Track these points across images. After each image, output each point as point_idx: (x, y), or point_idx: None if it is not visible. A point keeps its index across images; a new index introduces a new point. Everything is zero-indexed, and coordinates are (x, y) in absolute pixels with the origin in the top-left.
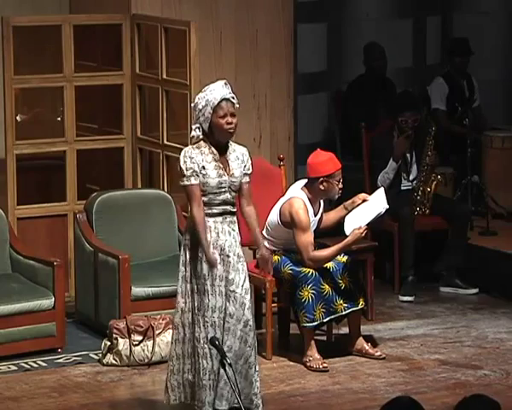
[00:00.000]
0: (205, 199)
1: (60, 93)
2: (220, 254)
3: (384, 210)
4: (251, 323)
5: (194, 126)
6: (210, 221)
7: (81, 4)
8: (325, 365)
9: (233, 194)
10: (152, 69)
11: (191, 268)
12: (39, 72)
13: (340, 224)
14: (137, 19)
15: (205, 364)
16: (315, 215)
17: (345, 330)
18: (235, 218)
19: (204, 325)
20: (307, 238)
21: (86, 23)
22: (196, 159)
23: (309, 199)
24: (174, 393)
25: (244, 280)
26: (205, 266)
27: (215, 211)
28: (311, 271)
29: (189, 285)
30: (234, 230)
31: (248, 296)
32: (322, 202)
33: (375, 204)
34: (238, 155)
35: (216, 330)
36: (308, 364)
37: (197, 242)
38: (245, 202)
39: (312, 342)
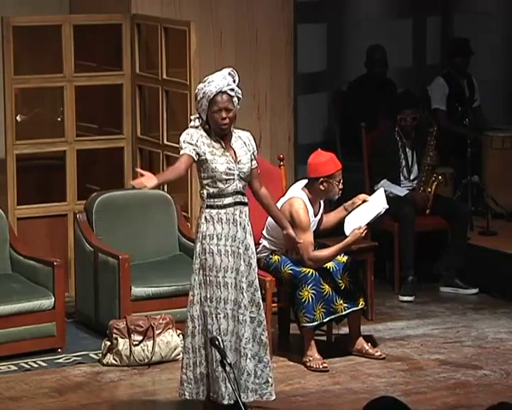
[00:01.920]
0: (214, 190)
1: (60, 93)
2: (231, 246)
3: (384, 210)
4: (259, 319)
5: (193, 117)
6: (222, 213)
7: (81, 4)
8: (325, 365)
9: (243, 183)
10: (152, 69)
11: (201, 260)
12: (39, 72)
13: (340, 225)
14: (137, 19)
15: (218, 356)
16: (315, 216)
17: (345, 330)
18: (247, 209)
19: (217, 317)
20: (307, 238)
21: (86, 23)
22: (194, 136)
23: (309, 199)
24: (183, 388)
25: (254, 277)
26: (217, 258)
27: (226, 202)
28: (311, 271)
29: (197, 277)
30: (245, 220)
31: (258, 293)
32: (322, 202)
33: (374, 204)
34: (244, 140)
35: (229, 322)
36: (308, 364)
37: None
38: (257, 186)
39: (312, 342)
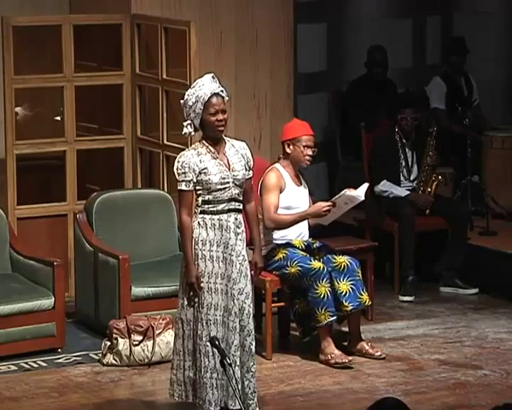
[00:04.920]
0: (210, 197)
1: (60, 93)
2: (223, 252)
3: (360, 199)
4: (249, 328)
5: (185, 123)
6: (215, 218)
7: (81, 4)
8: (350, 358)
9: (238, 190)
10: (152, 69)
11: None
12: (39, 72)
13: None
14: (137, 19)
15: (206, 362)
16: (298, 186)
17: (345, 329)
18: (241, 216)
19: (207, 323)
20: (271, 199)
21: (86, 23)
22: (191, 163)
23: (283, 167)
24: (173, 388)
25: (246, 284)
26: (209, 264)
27: (220, 208)
28: (322, 266)
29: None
30: (239, 227)
31: (249, 301)
32: (304, 182)
33: (355, 192)
34: (238, 149)
35: (218, 328)
36: (331, 361)
37: (184, 249)
38: (246, 199)
39: (329, 338)
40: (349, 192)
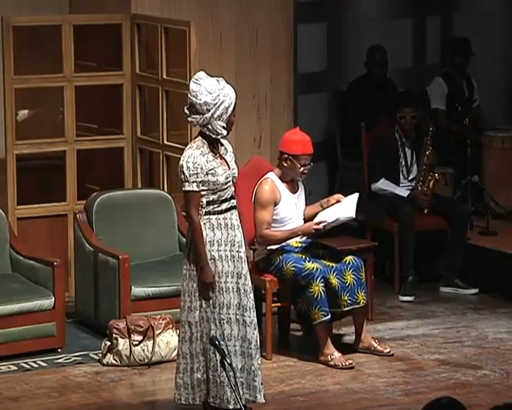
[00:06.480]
0: (214, 197)
1: (60, 93)
2: (231, 250)
3: (350, 218)
4: (255, 321)
5: (224, 125)
6: (220, 218)
7: (81, 4)
8: (350, 361)
9: (233, 187)
10: (152, 69)
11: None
12: (39, 72)
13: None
14: (137, 19)
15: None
16: (293, 193)
17: (344, 330)
18: (237, 211)
19: (220, 322)
20: (264, 216)
21: (86, 23)
22: (200, 162)
23: (279, 177)
24: (179, 392)
25: (250, 280)
26: (219, 264)
27: (224, 207)
28: (315, 266)
29: (195, 284)
30: (240, 224)
31: (252, 294)
32: (300, 184)
33: (345, 208)
34: (226, 146)
35: (232, 327)
36: (331, 363)
37: (197, 250)
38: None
39: (329, 339)
40: (342, 217)
